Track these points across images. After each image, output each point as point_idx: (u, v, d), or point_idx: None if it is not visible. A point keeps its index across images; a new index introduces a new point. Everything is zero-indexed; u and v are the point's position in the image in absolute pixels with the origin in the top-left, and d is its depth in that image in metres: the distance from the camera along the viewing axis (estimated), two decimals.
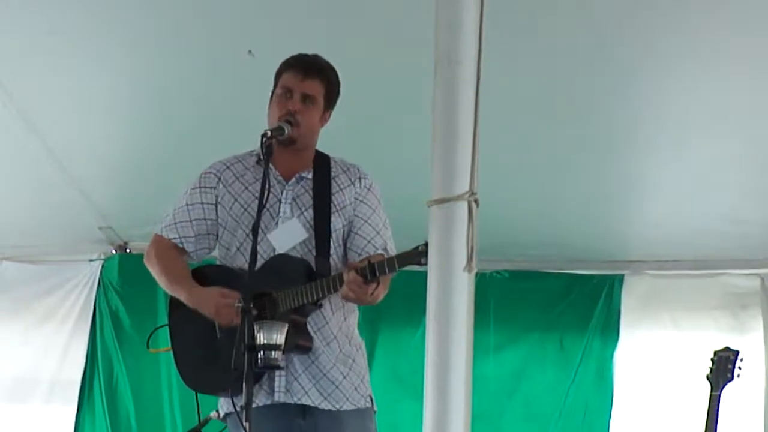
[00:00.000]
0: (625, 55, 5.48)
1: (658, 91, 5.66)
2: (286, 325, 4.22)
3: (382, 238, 4.68)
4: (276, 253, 4.59)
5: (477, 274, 3.35)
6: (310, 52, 4.69)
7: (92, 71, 6.01)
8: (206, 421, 5.04)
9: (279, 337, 4.16)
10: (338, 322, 4.64)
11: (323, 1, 5.49)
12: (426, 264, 3.93)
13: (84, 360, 7.26)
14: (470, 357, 3.28)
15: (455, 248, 3.30)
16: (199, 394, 4.80)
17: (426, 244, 4.05)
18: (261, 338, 4.15)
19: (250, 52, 5.62)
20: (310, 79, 4.63)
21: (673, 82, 5.58)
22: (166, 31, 5.72)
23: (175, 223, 4.74)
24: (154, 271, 4.78)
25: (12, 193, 6.82)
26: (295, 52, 4.70)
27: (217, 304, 4.55)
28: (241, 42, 5.65)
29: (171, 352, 4.81)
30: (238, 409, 4.13)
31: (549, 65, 5.56)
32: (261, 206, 4.38)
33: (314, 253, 4.59)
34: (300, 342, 4.46)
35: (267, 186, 4.38)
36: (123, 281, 7.27)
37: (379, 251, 4.61)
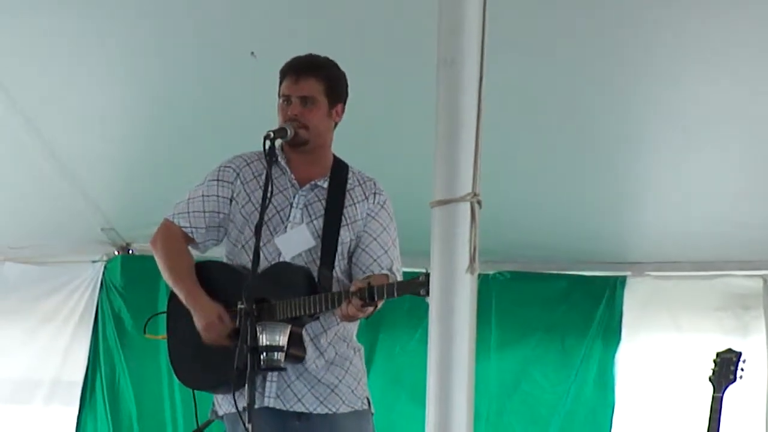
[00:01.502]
0: (627, 58, 5.48)
1: (661, 94, 5.66)
2: (289, 327, 4.23)
3: (389, 258, 4.65)
4: (282, 257, 4.58)
5: (479, 275, 3.35)
6: (312, 53, 4.67)
7: (95, 74, 6.02)
8: (208, 422, 5.03)
9: (282, 339, 4.17)
10: (336, 330, 4.63)
11: (325, 1, 5.49)
12: (426, 295, 3.97)
13: (86, 361, 7.26)
14: (473, 359, 3.28)
15: (458, 250, 3.29)
16: (200, 395, 4.80)
17: (427, 275, 4.07)
18: (263, 339, 4.15)
19: (252, 53, 5.62)
20: (303, 80, 4.60)
21: (674, 86, 5.59)
22: (167, 32, 5.72)
23: (189, 212, 4.72)
24: (159, 257, 4.75)
25: (15, 195, 6.82)
26: (296, 54, 4.69)
27: (209, 322, 4.53)
28: (243, 43, 5.65)
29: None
30: (241, 409, 4.15)
31: (552, 68, 5.56)
32: (264, 207, 4.38)
33: (318, 264, 4.57)
34: (292, 351, 4.40)
35: (270, 188, 4.38)
36: (125, 282, 7.27)
37: (384, 271, 4.59)
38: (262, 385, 4.51)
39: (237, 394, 4.24)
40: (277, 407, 4.53)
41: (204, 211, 4.71)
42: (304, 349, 4.54)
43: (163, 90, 6.08)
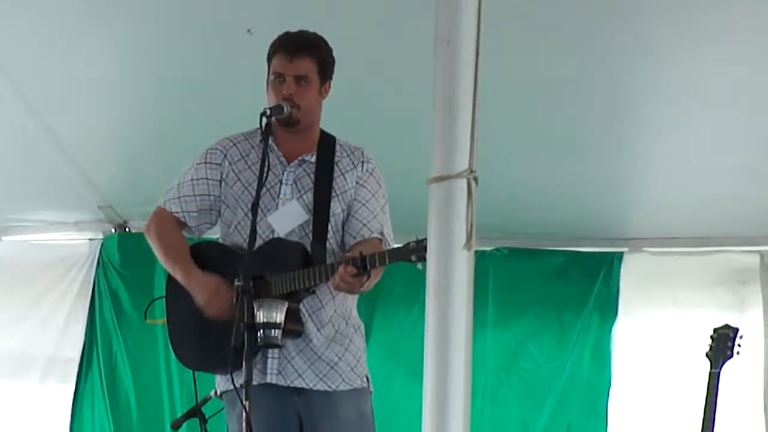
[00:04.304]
0: (627, 33, 5.47)
1: (659, 69, 5.65)
2: (286, 304, 4.23)
3: (379, 223, 4.65)
4: (275, 234, 4.58)
5: (476, 251, 3.35)
6: (309, 29, 4.65)
7: (91, 52, 6.00)
8: (206, 399, 5.04)
9: (279, 316, 4.17)
10: (334, 305, 4.63)
11: None
12: (417, 261, 4.08)
13: (82, 339, 7.26)
14: (470, 335, 3.28)
15: (455, 226, 3.29)
16: (197, 374, 4.81)
17: (417, 240, 4.09)
18: (261, 317, 4.15)
19: (249, 30, 5.60)
20: (298, 58, 4.58)
21: (674, 61, 5.58)
22: (164, 9, 5.71)
23: (179, 197, 4.73)
24: (153, 244, 4.77)
25: (12, 172, 6.81)
26: (292, 30, 4.68)
27: (210, 295, 4.55)
28: (240, 21, 5.63)
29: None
30: (238, 386, 4.15)
31: (551, 44, 5.55)
32: (260, 184, 4.38)
33: (311, 238, 4.58)
34: (290, 327, 4.39)
35: (266, 165, 4.37)
36: (123, 260, 7.26)
37: (375, 235, 4.61)
38: (263, 363, 4.53)
39: (236, 371, 4.24)
40: (279, 383, 4.55)
41: (194, 195, 4.71)
42: (302, 324, 4.55)
43: (160, 67, 6.06)
